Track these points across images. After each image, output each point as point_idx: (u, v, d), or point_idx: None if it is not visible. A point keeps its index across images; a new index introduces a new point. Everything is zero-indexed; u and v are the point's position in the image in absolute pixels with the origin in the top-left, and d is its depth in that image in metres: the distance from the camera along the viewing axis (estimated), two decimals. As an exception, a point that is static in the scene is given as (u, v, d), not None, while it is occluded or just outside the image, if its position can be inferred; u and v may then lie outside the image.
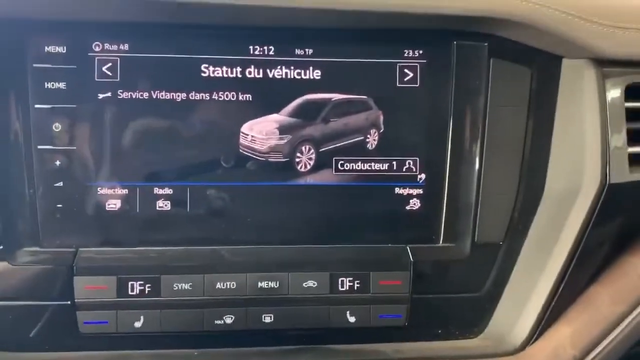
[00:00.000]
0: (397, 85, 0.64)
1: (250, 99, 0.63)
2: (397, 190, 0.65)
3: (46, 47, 0.60)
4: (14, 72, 0.60)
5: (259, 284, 0.63)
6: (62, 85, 0.61)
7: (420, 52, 0.64)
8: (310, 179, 0.65)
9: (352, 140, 0.65)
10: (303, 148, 0.64)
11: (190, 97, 0.62)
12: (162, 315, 0.62)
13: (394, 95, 0.64)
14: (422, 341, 0.68)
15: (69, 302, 0.62)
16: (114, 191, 0.62)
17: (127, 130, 0.62)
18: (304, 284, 0.64)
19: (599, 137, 0.63)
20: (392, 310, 0.65)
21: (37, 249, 0.62)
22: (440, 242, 0.67)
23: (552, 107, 0.66)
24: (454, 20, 0.61)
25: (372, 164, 0.65)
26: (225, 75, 0.62)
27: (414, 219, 0.66)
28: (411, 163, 0.65)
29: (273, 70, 0.63)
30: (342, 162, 0.65)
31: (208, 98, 0.62)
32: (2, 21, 0.58)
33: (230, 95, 0.63)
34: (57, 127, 0.61)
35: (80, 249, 0.62)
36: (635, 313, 0.66)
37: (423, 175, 0.66)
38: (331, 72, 0.63)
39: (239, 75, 0.63)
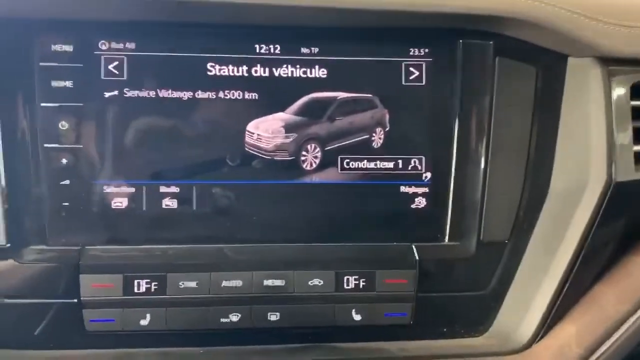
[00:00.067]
0: (403, 83, 0.64)
1: (256, 98, 0.63)
2: (402, 188, 0.66)
3: (53, 46, 0.60)
4: (20, 71, 0.60)
5: (265, 282, 0.63)
6: (68, 83, 0.61)
7: (426, 50, 0.64)
8: (316, 178, 0.65)
9: (357, 139, 0.65)
10: (309, 146, 0.64)
11: (197, 96, 0.62)
12: (168, 313, 0.62)
13: (399, 94, 0.64)
14: (428, 339, 0.68)
15: (75, 300, 0.62)
16: (120, 189, 0.62)
17: (134, 129, 0.62)
18: (309, 282, 0.64)
19: (605, 136, 0.63)
20: (397, 309, 0.65)
21: (44, 247, 0.62)
22: (446, 240, 0.67)
23: (558, 105, 0.66)
24: (460, 19, 0.61)
25: (378, 162, 0.65)
26: (231, 73, 0.62)
27: (419, 217, 0.66)
28: (417, 161, 0.65)
29: (279, 69, 0.63)
30: (348, 160, 0.65)
31: (214, 97, 0.62)
32: (9, 20, 0.59)
33: (236, 94, 0.63)
34: (63, 125, 0.61)
35: (87, 247, 0.62)
36: (640, 312, 0.66)
37: (429, 174, 0.66)
38: (337, 71, 0.63)
39: (245, 74, 0.63)
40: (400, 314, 0.65)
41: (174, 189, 0.63)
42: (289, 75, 0.63)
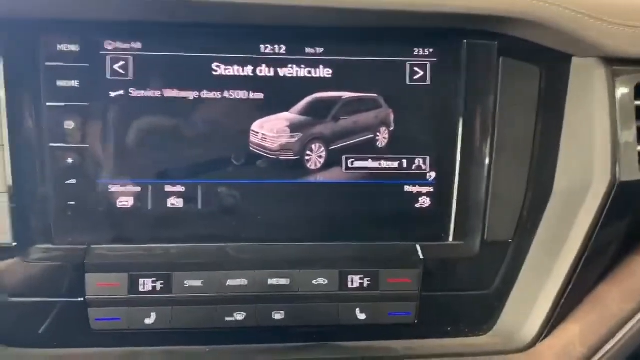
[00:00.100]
0: (407, 83, 0.64)
1: (261, 98, 0.63)
2: (406, 188, 0.66)
3: (58, 46, 0.61)
4: (26, 71, 0.60)
5: (269, 281, 0.64)
6: (74, 83, 0.61)
7: (430, 50, 0.64)
8: (321, 177, 0.65)
9: (362, 139, 0.65)
10: (313, 146, 0.65)
11: (202, 96, 0.62)
12: (173, 312, 0.63)
13: (404, 94, 0.64)
14: (432, 338, 0.69)
15: (80, 299, 0.62)
16: (126, 189, 0.63)
17: (139, 129, 0.62)
18: (313, 281, 0.64)
19: (609, 136, 0.63)
20: (401, 308, 0.66)
21: (50, 246, 0.62)
22: (450, 240, 0.67)
23: (562, 105, 0.66)
24: (464, 20, 0.61)
25: (382, 162, 0.65)
26: (236, 73, 0.63)
27: (423, 217, 0.66)
28: (421, 161, 0.66)
29: (284, 69, 0.63)
30: (352, 160, 0.65)
31: (219, 96, 0.63)
32: (15, 20, 0.59)
33: (241, 94, 0.63)
34: (69, 125, 0.61)
35: (92, 246, 0.63)
36: (644, 311, 0.66)
37: (433, 174, 0.66)
38: (341, 71, 0.64)
39: (250, 74, 0.63)
40: (405, 313, 0.66)
41: (179, 188, 0.63)
42: (294, 75, 0.63)
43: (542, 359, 0.66)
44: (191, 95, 0.62)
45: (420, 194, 0.66)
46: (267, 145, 0.64)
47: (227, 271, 0.63)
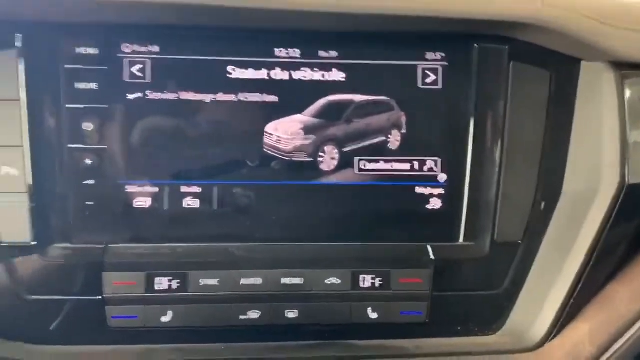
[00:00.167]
0: (419, 86, 0.66)
1: (276, 100, 0.64)
2: (418, 189, 0.67)
3: (77, 49, 0.62)
4: (46, 73, 0.62)
5: (283, 280, 0.65)
6: (93, 85, 0.62)
7: (442, 54, 0.65)
8: (333, 179, 0.66)
9: (374, 141, 0.66)
10: (326, 148, 0.66)
11: (217, 98, 0.64)
12: (189, 310, 0.64)
13: (416, 97, 0.66)
14: (442, 337, 0.69)
15: (98, 297, 0.63)
16: (143, 189, 0.64)
17: (156, 130, 0.63)
18: (326, 281, 0.65)
19: (618, 139, 0.64)
20: (412, 307, 0.66)
21: (68, 245, 0.63)
22: (461, 241, 0.68)
23: (571, 109, 0.67)
24: (476, 24, 0.62)
25: (394, 163, 0.66)
26: (251, 76, 0.64)
27: (434, 218, 0.67)
28: (432, 163, 0.67)
29: (298, 72, 0.64)
30: (365, 162, 0.66)
31: (234, 99, 0.64)
32: (36, 24, 0.60)
33: (255, 96, 0.64)
34: (88, 126, 0.62)
35: (110, 245, 0.64)
36: (653, 311, 0.67)
37: (444, 175, 0.67)
38: (354, 74, 0.65)
39: (265, 77, 0.64)
40: (416, 312, 0.66)
41: (195, 189, 0.64)
42: (308, 78, 0.64)
43: (552, 359, 0.66)
44: (207, 97, 0.64)
45: (431, 196, 0.67)
46: (281, 147, 0.65)
47: (241, 270, 0.64)
